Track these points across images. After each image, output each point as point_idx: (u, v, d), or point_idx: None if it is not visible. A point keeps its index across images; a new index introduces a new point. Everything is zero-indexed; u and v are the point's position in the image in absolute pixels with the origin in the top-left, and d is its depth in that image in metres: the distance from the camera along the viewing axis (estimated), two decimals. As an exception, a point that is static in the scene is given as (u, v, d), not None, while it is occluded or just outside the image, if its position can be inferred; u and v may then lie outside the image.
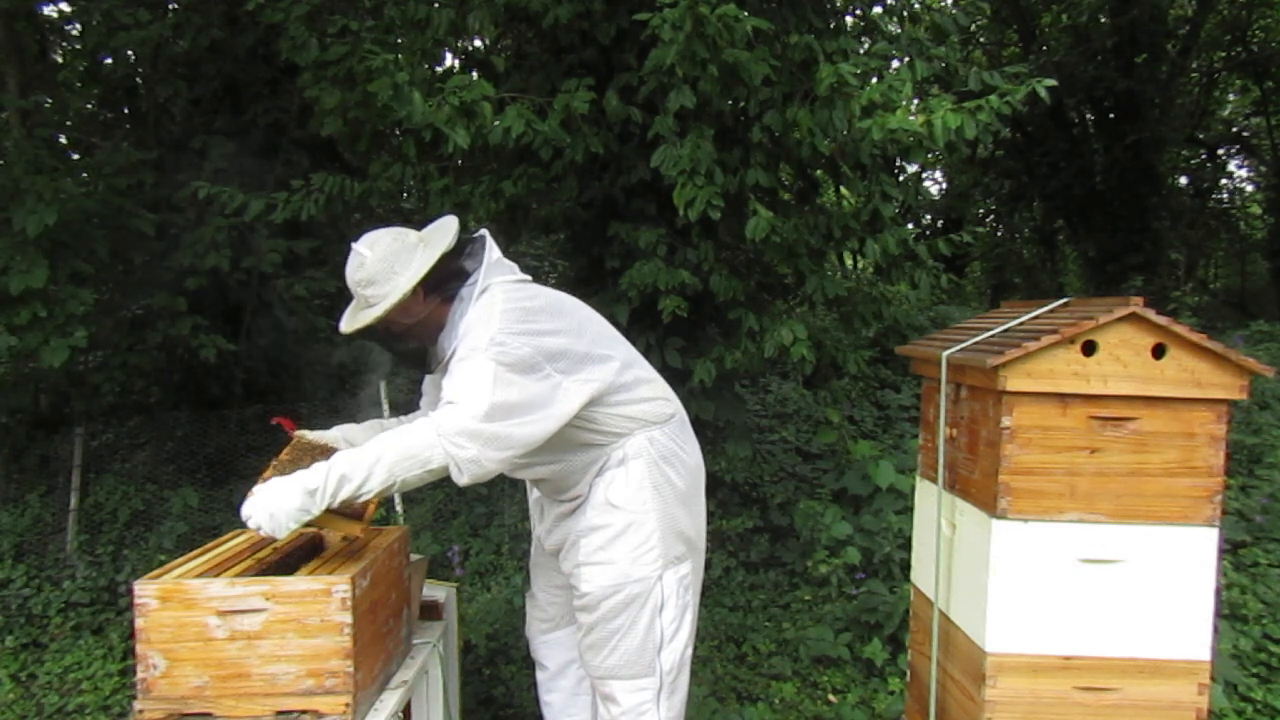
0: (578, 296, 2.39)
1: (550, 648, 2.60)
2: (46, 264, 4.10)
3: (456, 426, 1.95)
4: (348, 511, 2.11)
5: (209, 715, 1.89)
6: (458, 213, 3.96)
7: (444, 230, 2.21)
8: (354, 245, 2.16)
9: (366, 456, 1.96)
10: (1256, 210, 14.25)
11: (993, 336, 2.06)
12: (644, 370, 2.35)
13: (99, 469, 5.29)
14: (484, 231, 2.27)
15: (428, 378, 2.41)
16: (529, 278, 2.29)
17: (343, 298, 2.22)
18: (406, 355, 2.28)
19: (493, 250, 2.22)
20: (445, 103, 3.41)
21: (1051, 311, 2.07)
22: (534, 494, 2.52)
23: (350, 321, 2.21)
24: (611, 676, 2.26)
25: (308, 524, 1.98)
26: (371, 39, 3.53)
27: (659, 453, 2.26)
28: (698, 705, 3.28)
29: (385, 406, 4.75)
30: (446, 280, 2.16)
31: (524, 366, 2.03)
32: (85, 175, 4.72)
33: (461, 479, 1.99)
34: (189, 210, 5.02)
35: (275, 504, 1.92)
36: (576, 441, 2.22)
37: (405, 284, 2.10)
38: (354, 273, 2.16)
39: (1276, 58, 11.46)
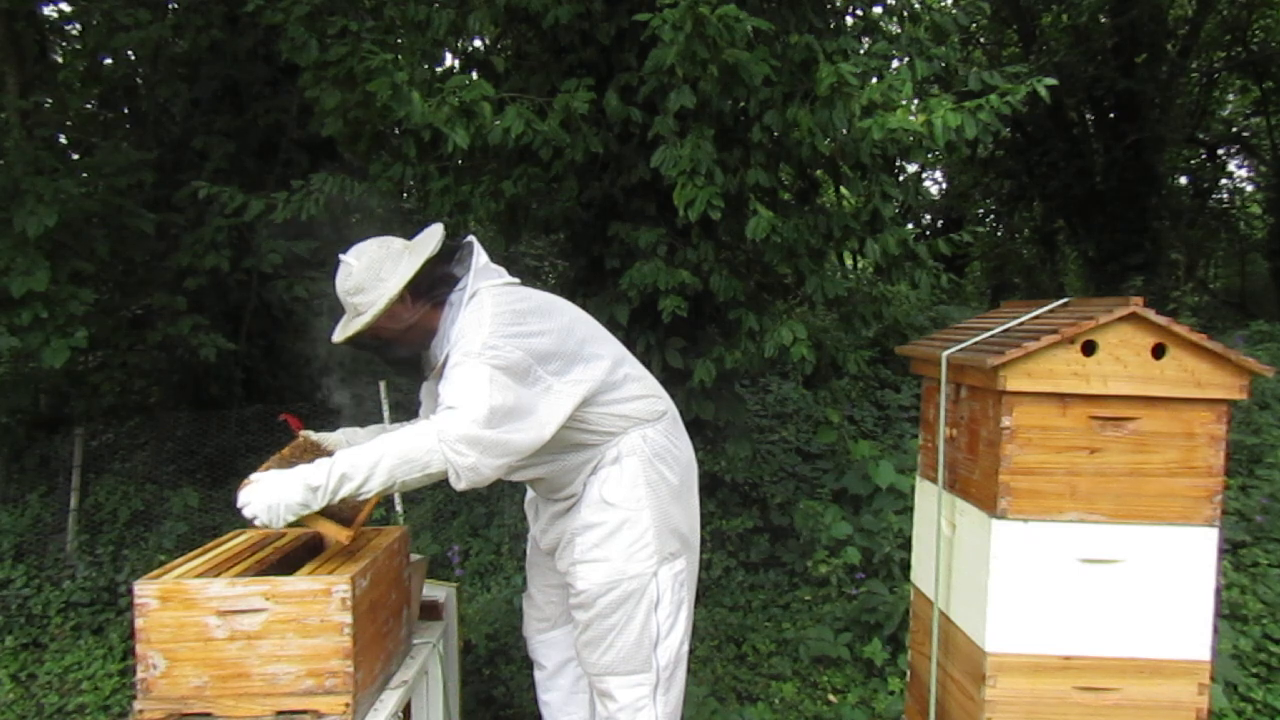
0: (578, 296, 2.40)
1: (548, 647, 2.60)
2: (48, 266, 4.10)
3: (457, 432, 1.96)
4: (341, 514, 2.12)
5: (209, 715, 1.89)
6: (457, 213, 3.99)
7: (430, 237, 2.23)
8: (342, 257, 2.19)
9: (368, 457, 1.96)
10: (1256, 210, 14.24)
11: (993, 336, 2.06)
12: (634, 368, 2.36)
13: (99, 469, 5.29)
14: (471, 238, 2.28)
15: (424, 387, 2.42)
16: (517, 280, 2.30)
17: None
18: (399, 363, 2.29)
19: (480, 255, 2.24)
20: (445, 103, 3.41)
21: (1051, 311, 2.07)
22: (529, 494, 2.53)
23: (341, 331, 2.22)
24: (608, 673, 2.26)
25: (296, 522, 1.98)
26: (371, 39, 3.53)
27: (653, 450, 2.28)
28: (698, 705, 3.28)
29: (385, 408, 4.75)
30: (434, 286, 2.18)
31: (517, 371, 2.05)
32: (85, 175, 4.72)
33: (459, 484, 2.00)
34: (189, 210, 5.03)
35: (275, 495, 1.93)
36: (570, 441, 2.23)
37: (391, 289, 2.12)
38: (342, 282, 2.18)
39: (1276, 58, 11.45)
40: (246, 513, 1.95)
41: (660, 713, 2.28)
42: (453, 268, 2.22)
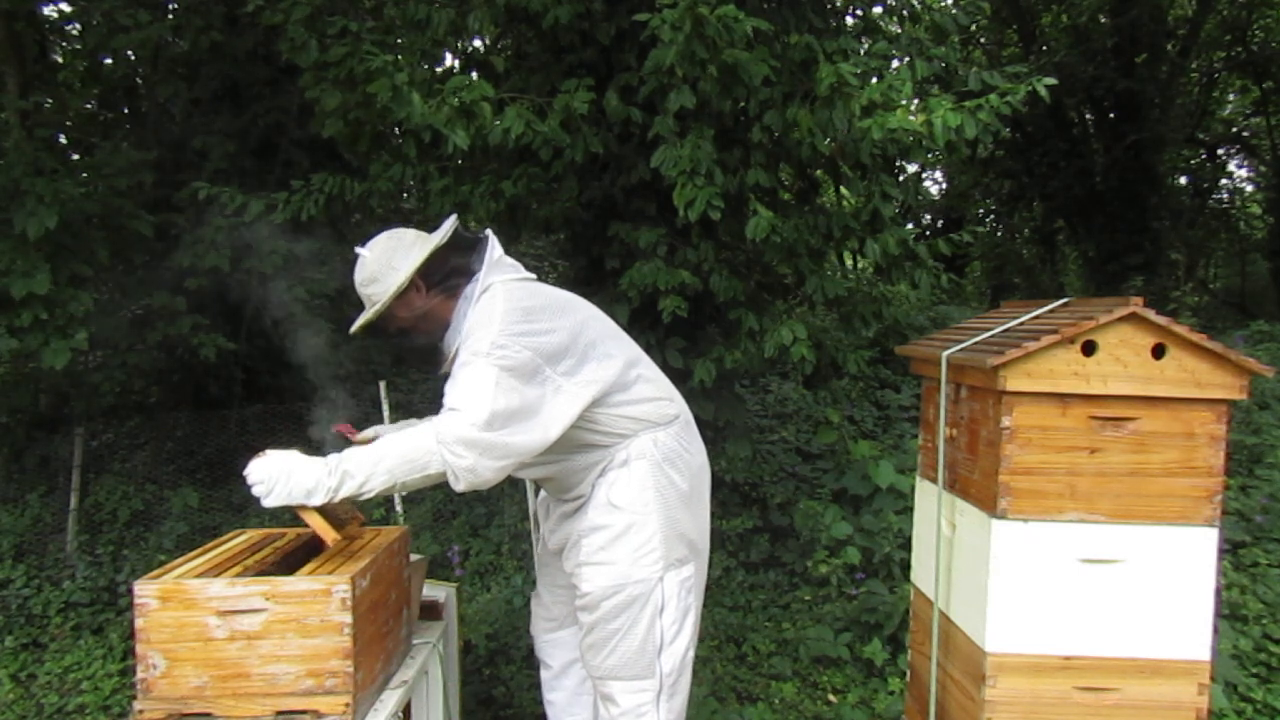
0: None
1: (554, 647, 2.60)
2: (48, 268, 4.10)
3: (455, 434, 1.96)
4: (335, 514, 2.12)
5: (209, 715, 1.89)
6: (457, 212, 3.99)
7: (443, 227, 2.24)
8: (357, 249, 2.22)
9: (370, 457, 1.97)
10: (1256, 210, 14.23)
11: (993, 336, 2.06)
12: (648, 370, 2.34)
13: (99, 469, 5.29)
14: (488, 231, 2.29)
15: (448, 380, 2.43)
16: (533, 276, 2.30)
17: (343, 299, 2.25)
18: (414, 353, 2.30)
19: (496, 249, 2.24)
20: (445, 104, 3.42)
21: (1051, 311, 2.07)
22: (541, 494, 2.53)
23: (358, 322, 2.25)
24: (611, 677, 2.25)
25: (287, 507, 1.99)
26: (371, 40, 3.53)
27: (663, 454, 2.26)
28: (698, 705, 3.28)
29: (385, 408, 4.75)
30: (448, 275, 2.19)
31: (525, 372, 2.04)
32: (85, 176, 4.72)
33: (458, 485, 2.00)
34: (189, 210, 5.02)
35: (287, 474, 1.94)
36: (579, 442, 2.22)
37: (402, 276, 2.14)
38: (358, 274, 2.22)
39: (1276, 58, 11.44)
40: (253, 477, 1.95)
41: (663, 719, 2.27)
42: (467, 259, 2.23)
